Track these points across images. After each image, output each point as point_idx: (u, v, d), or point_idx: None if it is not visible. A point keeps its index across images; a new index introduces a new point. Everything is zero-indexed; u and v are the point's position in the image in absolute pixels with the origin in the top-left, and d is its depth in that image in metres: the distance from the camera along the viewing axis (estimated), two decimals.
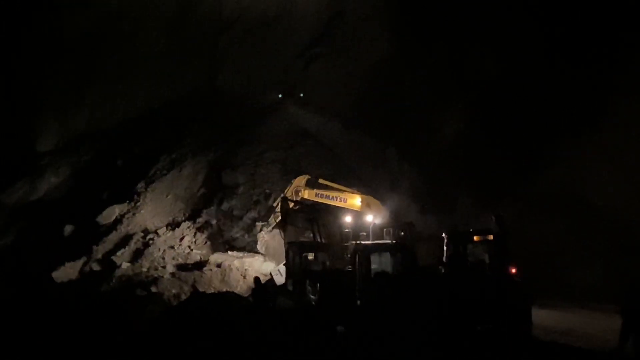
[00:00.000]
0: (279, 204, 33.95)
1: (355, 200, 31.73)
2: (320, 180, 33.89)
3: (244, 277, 34.82)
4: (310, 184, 33.80)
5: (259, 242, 38.20)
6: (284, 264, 31.45)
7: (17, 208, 53.21)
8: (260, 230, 37.27)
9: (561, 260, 31.43)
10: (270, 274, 32.88)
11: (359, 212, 31.34)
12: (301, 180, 34.24)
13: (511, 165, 36.18)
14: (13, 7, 65.40)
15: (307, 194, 33.36)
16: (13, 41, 65.04)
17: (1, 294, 38.69)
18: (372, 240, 27.27)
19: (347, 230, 29.29)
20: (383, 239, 27.04)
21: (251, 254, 37.53)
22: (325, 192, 32.98)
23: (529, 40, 38.10)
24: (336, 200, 32.47)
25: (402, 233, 26.15)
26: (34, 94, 62.86)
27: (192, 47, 60.11)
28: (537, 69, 37.37)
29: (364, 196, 31.98)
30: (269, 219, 35.26)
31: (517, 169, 35.84)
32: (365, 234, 28.29)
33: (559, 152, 34.82)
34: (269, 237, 37.22)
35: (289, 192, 34.11)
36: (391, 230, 27.75)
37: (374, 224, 28.74)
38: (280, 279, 31.47)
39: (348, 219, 30.33)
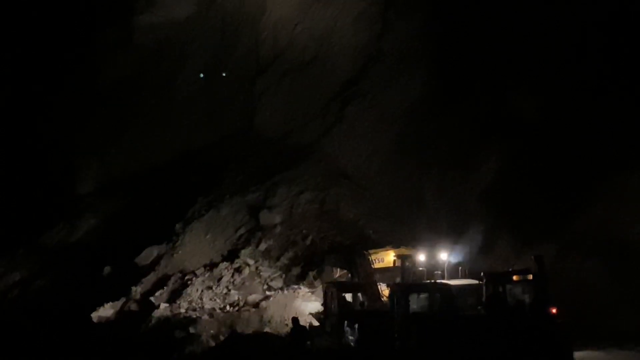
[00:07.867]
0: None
1: (390, 257, 31.92)
2: (371, 251, 33.95)
3: (283, 316, 34.74)
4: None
5: None
6: None
7: (56, 250, 53.74)
8: None
9: (601, 301, 31.01)
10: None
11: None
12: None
13: (550, 205, 35.85)
14: (52, 52, 66.93)
15: None
16: (52, 85, 66.38)
17: (41, 335, 39.08)
18: (448, 278, 26.91)
19: (421, 269, 28.99)
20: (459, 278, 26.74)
21: (291, 291, 37.38)
22: (375, 258, 33.14)
23: (568, 80, 37.95)
24: (381, 262, 32.73)
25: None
26: (73, 137, 63.87)
27: (229, 90, 60.75)
28: (576, 108, 37.15)
29: (395, 250, 32.03)
30: None
31: (557, 208, 35.49)
32: (439, 272, 27.99)
33: (599, 192, 34.48)
34: None
35: None
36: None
37: (449, 262, 28.36)
38: None
39: (422, 257, 30.05)
